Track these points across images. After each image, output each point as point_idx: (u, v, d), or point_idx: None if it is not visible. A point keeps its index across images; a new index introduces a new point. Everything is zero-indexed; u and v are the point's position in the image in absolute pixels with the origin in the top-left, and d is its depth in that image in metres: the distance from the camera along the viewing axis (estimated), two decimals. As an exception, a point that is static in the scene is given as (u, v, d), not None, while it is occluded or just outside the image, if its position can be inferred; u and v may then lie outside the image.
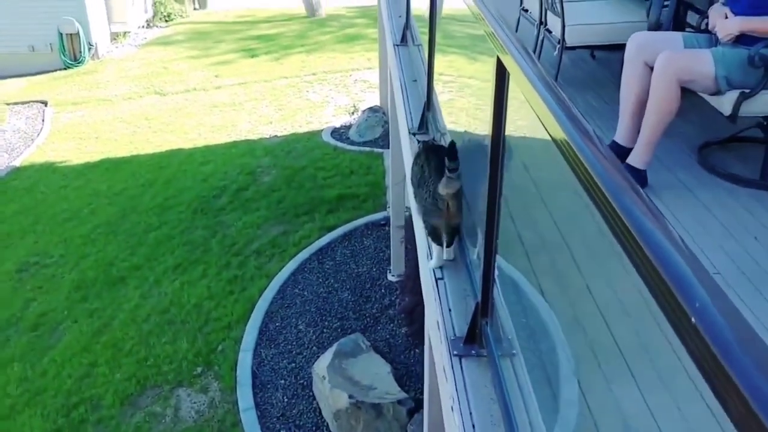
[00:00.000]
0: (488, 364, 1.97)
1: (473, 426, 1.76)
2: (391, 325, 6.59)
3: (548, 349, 2.49)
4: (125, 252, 7.98)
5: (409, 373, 5.88)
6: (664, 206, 3.12)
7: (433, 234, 2.38)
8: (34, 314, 7.16)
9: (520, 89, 1.52)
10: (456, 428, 1.84)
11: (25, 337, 6.87)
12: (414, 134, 3.64)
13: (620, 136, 3.38)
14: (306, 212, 8.26)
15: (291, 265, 7.41)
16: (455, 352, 2.02)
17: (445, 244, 2.38)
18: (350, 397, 5.41)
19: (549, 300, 2.61)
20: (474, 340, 2.03)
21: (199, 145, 10.66)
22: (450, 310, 2.24)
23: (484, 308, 1.97)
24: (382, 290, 7.06)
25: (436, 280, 2.39)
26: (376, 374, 5.83)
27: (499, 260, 2.03)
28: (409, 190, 2.68)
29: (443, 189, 2.18)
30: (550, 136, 1.24)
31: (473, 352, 2.01)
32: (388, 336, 6.46)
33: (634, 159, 3.18)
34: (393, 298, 6.91)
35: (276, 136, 10.64)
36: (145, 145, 10.89)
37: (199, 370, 6.23)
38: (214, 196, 8.92)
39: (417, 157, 2.45)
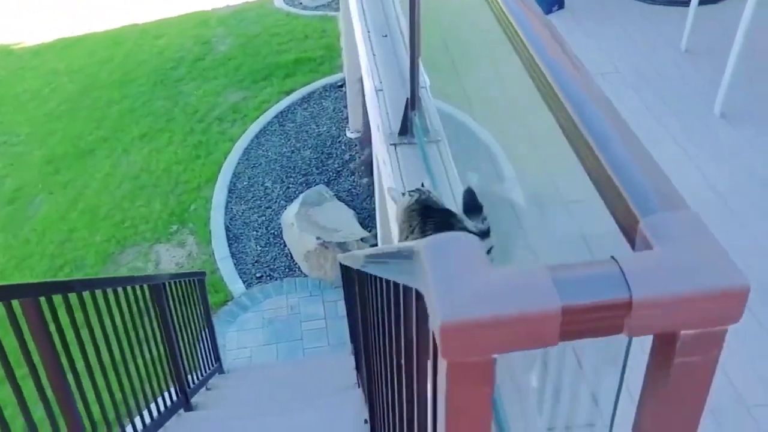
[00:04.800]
0: (418, 149, 2.36)
1: (402, 181, 2.16)
2: (352, 177, 6.99)
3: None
4: (91, 126, 8.18)
5: (371, 216, 6.32)
6: (575, 21, 3.47)
7: None
8: (9, 189, 7.45)
9: None
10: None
11: (3, 210, 7.18)
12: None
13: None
14: (264, 78, 8.45)
15: (253, 129, 7.70)
16: (391, 142, 2.40)
17: None
18: (317, 238, 5.86)
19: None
20: (406, 131, 2.40)
21: (152, 20, 10.61)
22: (387, 113, 2.60)
23: (413, 101, 2.34)
24: (343, 147, 7.41)
25: (376, 91, 2.74)
26: (341, 219, 6.28)
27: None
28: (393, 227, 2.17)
29: None
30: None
31: (405, 140, 2.39)
32: (350, 187, 6.87)
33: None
34: (353, 153, 7.26)
35: (228, 6, 10.62)
36: (99, 23, 10.81)
37: (174, 228, 6.62)
38: (172, 67, 9.04)
39: (410, 215, 1.85)
